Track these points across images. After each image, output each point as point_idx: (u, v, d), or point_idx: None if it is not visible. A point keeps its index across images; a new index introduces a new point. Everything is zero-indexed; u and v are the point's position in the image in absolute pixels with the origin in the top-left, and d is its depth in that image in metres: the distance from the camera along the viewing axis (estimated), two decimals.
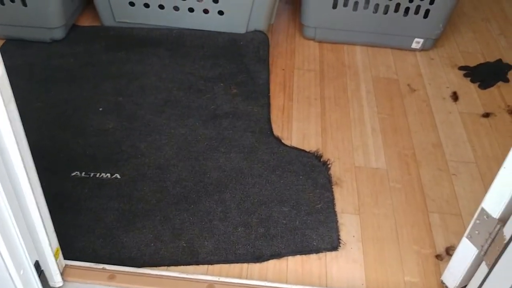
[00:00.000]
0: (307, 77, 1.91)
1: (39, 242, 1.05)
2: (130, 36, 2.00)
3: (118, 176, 1.48)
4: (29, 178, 0.95)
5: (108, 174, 1.48)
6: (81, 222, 1.36)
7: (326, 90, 1.86)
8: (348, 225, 1.41)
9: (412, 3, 1.93)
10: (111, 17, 2.00)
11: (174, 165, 1.52)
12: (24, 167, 0.92)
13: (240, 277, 1.26)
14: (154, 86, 1.80)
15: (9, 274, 0.97)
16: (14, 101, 0.89)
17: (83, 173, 1.48)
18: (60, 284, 1.16)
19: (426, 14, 1.96)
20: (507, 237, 1.03)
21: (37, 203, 1.00)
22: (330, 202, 1.46)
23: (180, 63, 1.90)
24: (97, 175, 1.48)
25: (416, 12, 1.96)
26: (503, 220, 1.07)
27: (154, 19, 1.98)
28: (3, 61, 0.83)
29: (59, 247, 1.16)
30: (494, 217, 1.09)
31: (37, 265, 1.05)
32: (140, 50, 1.95)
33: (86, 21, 2.10)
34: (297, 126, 1.70)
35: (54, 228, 1.14)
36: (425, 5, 1.93)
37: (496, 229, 1.08)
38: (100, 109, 1.70)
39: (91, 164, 1.51)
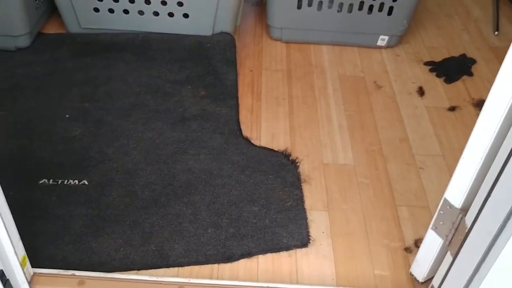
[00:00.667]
0: (275, 77, 1.93)
1: (3, 251, 1.03)
2: (96, 42, 1.99)
3: (86, 182, 1.47)
4: None
5: (76, 181, 1.47)
6: (50, 229, 1.35)
7: (294, 89, 1.87)
8: (318, 221, 1.42)
9: (376, 1, 1.96)
10: (76, 24, 1.99)
11: (142, 169, 1.52)
12: None
13: (211, 278, 1.26)
14: (121, 91, 1.79)
15: None
16: None
17: (51, 180, 1.47)
18: None
19: (390, 11, 1.99)
20: (468, 226, 1.05)
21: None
22: (299, 200, 1.47)
23: (146, 67, 1.90)
24: (65, 182, 1.47)
25: (380, 9, 1.98)
26: (464, 210, 1.09)
27: (120, 24, 1.97)
28: None
29: (26, 255, 1.15)
30: (457, 207, 1.11)
31: (1, 275, 1.04)
32: (107, 56, 1.94)
33: (51, 29, 2.08)
34: (265, 126, 1.71)
35: (22, 236, 1.13)
36: (388, 2, 1.96)
37: (459, 218, 1.10)
38: (67, 116, 1.69)
39: (58, 171, 1.50)
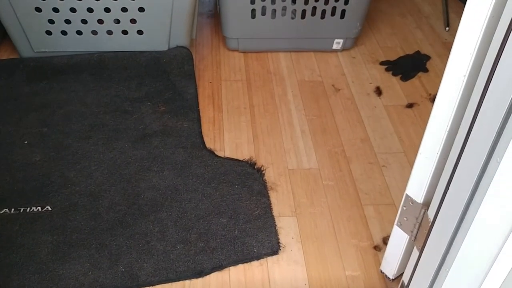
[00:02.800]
0: (234, 88, 1.93)
1: None
2: (51, 65, 1.96)
3: (49, 208, 1.44)
4: None
5: (39, 208, 1.44)
6: (14, 260, 1.31)
7: (255, 98, 1.88)
8: (287, 227, 1.43)
9: (328, 5, 1.99)
10: (29, 48, 1.96)
11: (105, 190, 1.49)
12: None
13: None
14: (80, 113, 1.77)
15: None
16: None
17: (13, 209, 1.43)
18: None
19: (342, 15, 2.02)
20: (431, 220, 1.07)
21: None
22: (267, 207, 1.47)
23: (104, 86, 1.88)
24: (28, 210, 1.43)
25: (333, 13, 2.01)
26: (426, 204, 1.11)
27: (73, 46, 1.94)
28: None
29: None
30: (419, 202, 1.13)
31: None
32: (63, 78, 1.91)
33: (3, 54, 2.04)
34: (228, 136, 1.71)
35: None
36: (340, 6, 2.00)
37: (422, 213, 1.12)
38: (25, 142, 1.65)
39: (20, 199, 1.46)
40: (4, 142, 1.65)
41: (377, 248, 1.39)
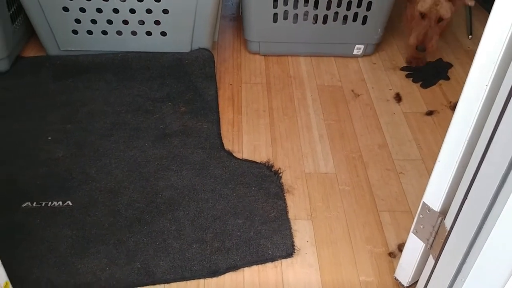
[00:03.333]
0: (254, 90, 1.95)
1: None
2: (76, 64, 2.00)
3: (70, 203, 1.47)
4: None
5: (60, 202, 1.47)
6: (34, 252, 1.34)
7: (274, 101, 1.89)
8: (302, 230, 1.43)
9: (350, 11, 1.99)
10: (56, 46, 2.00)
11: (125, 187, 1.52)
12: None
13: None
14: (102, 111, 1.80)
15: None
16: None
17: (35, 203, 1.47)
18: None
19: (364, 21, 2.02)
20: (448, 228, 1.07)
21: None
22: (283, 210, 1.48)
23: (127, 86, 1.91)
24: (49, 204, 1.47)
25: (354, 19, 2.02)
26: (443, 213, 1.11)
27: (98, 45, 1.98)
28: None
29: (8, 281, 1.14)
30: (436, 210, 1.13)
31: None
32: (87, 77, 1.95)
33: (31, 52, 2.09)
34: (247, 138, 1.73)
35: (6, 261, 1.13)
36: (362, 12, 2.00)
37: (438, 221, 1.12)
38: (49, 138, 1.69)
39: (42, 193, 1.50)
40: (29, 137, 1.69)
41: (392, 255, 1.39)
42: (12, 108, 1.81)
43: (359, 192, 1.56)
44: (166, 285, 1.28)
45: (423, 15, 1.90)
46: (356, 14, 2.01)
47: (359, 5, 1.98)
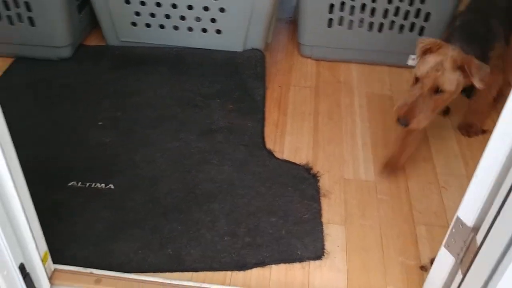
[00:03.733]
0: (302, 93, 1.96)
1: (25, 246, 1.10)
2: (133, 55, 2.08)
3: (112, 187, 1.53)
4: (14, 182, 1.00)
5: (103, 185, 1.54)
6: (74, 229, 1.41)
7: (321, 105, 1.90)
8: (334, 235, 1.43)
9: (407, 20, 1.97)
10: (116, 37, 2.09)
11: (166, 176, 1.57)
12: (9, 171, 0.98)
13: (223, 284, 1.29)
14: (153, 102, 1.87)
15: None
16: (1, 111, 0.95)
17: (80, 183, 1.54)
18: (47, 286, 1.21)
19: (421, 31, 1.99)
20: (478, 245, 1.04)
21: (23, 207, 1.05)
22: (317, 213, 1.48)
23: (180, 80, 1.97)
24: (93, 185, 1.54)
25: (411, 29, 1.99)
26: (476, 229, 1.08)
27: (155, 38, 2.05)
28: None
29: (47, 251, 1.21)
30: (468, 225, 1.10)
31: (22, 268, 1.10)
32: (142, 68, 2.03)
33: (93, 41, 2.19)
34: (289, 139, 1.74)
35: (47, 234, 1.20)
36: (419, 23, 1.97)
37: (470, 237, 1.10)
38: (100, 123, 1.77)
39: (87, 175, 1.57)
40: (82, 122, 1.78)
41: (423, 268, 1.36)
42: (70, 93, 1.91)
43: (397, 202, 1.54)
44: (194, 273, 1.31)
45: (418, 80, 1.43)
46: (413, 24, 1.98)
47: (417, 15, 1.96)
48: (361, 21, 1.99)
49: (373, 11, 1.96)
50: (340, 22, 2.00)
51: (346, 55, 2.10)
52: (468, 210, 1.10)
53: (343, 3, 1.95)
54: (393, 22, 1.98)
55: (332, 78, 2.05)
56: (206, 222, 1.44)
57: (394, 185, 1.59)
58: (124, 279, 1.25)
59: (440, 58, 1.39)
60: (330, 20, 2.00)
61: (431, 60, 1.40)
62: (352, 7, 1.96)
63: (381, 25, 2.00)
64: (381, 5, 1.94)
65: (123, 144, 1.69)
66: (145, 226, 1.42)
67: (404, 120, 1.41)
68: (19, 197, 1.04)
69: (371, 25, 2.00)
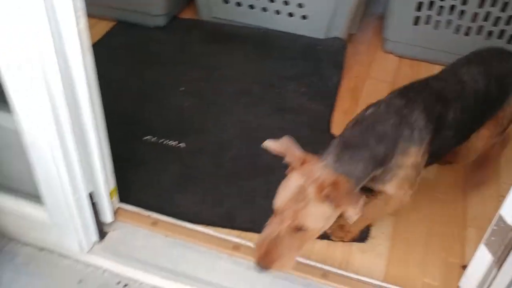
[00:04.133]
0: (378, 87, 1.98)
1: (96, 177, 1.24)
2: (222, 31, 2.21)
3: (183, 146, 1.66)
4: (96, 120, 1.14)
5: (176, 142, 1.67)
6: (142, 178, 1.55)
7: None
8: (381, 223, 1.47)
9: (497, 27, 1.93)
10: (208, 13, 2.22)
11: (234, 144, 1.68)
12: (93, 110, 1.12)
13: None
14: (234, 77, 1.98)
15: (65, 196, 1.17)
16: (92, 51, 1.09)
17: (154, 138, 1.69)
18: (110, 220, 1.35)
19: (510, 39, 1.95)
20: None
21: (100, 143, 1.19)
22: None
23: (261, 60, 2.07)
24: (166, 142, 1.68)
25: (500, 36, 1.95)
26: None
27: (244, 18, 2.17)
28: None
29: (116, 188, 1.35)
30: (510, 224, 1.11)
31: (91, 196, 1.24)
32: (229, 45, 2.15)
33: (186, 14, 2.34)
34: None
35: (119, 176, 1.34)
36: (510, 31, 1.93)
37: (509, 236, 1.10)
38: (182, 89, 1.91)
39: (162, 132, 1.71)
40: (166, 87, 1.93)
41: (465, 267, 1.36)
42: (160, 58, 2.07)
43: (451, 203, 1.54)
44: (242, 232, 1.40)
45: (276, 212, 1.11)
46: (502, 31, 1.94)
47: (507, 23, 1.92)
48: (449, 22, 1.98)
49: (462, 13, 1.94)
50: (427, 21, 2.00)
51: (429, 55, 2.10)
52: (510, 208, 1.11)
53: (432, 2, 1.95)
54: (481, 27, 1.95)
55: (412, 76, 2.05)
56: (262, 190, 1.53)
57: (452, 185, 1.59)
58: (178, 226, 1.37)
59: (303, 181, 1.06)
60: (417, 18, 2.01)
61: (292, 184, 1.08)
62: (441, 7, 1.96)
63: (469, 29, 1.97)
64: (471, 8, 1.92)
65: (199, 110, 1.82)
66: (206, 184, 1.54)
67: (262, 264, 1.06)
68: (98, 134, 1.18)
69: (458, 27, 1.98)
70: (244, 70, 2.02)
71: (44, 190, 1.19)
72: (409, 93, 1.26)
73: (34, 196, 1.26)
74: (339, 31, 2.06)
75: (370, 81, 2.02)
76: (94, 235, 1.32)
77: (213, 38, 2.18)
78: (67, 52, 1.02)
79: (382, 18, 2.38)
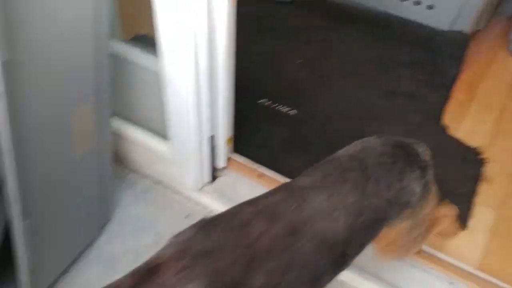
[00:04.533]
0: (497, 87, 1.94)
1: (218, 123, 1.35)
2: (346, 11, 2.25)
3: (294, 113, 1.74)
4: (228, 70, 1.24)
5: (288, 109, 1.75)
6: (255, 134, 1.65)
7: None
8: (483, 216, 1.46)
9: None
10: None
11: (341, 118, 1.73)
12: (228, 55, 1.22)
13: None
14: (352, 55, 2.03)
15: (190, 134, 1.28)
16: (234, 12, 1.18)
17: (268, 102, 1.78)
18: (222, 166, 1.46)
19: None
20: None
21: (228, 90, 1.29)
22: (472, 193, 1.52)
23: (381, 43, 2.09)
24: (278, 107, 1.76)
25: None
26: None
27: (369, 1, 2.19)
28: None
29: (231, 138, 1.45)
30: None
31: (211, 139, 1.35)
32: (351, 25, 2.19)
33: None
34: (468, 123, 1.77)
35: (235, 130, 1.44)
36: None
37: None
38: (299, 61, 1.98)
39: (277, 97, 1.80)
40: (284, 57, 2.01)
41: None
42: (282, 30, 2.16)
43: None
44: None
45: None
46: None
47: None
48: None
49: None
50: None
51: None
52: None
53: None
54: None
55: None
56: None
57: None
58: (282, 181, 1.45)
59: None
60: None
61: None
62: None
63: None
64: None
65: (313, 82, 1.88)
66: (311, 150, 1.60)
67: None
68: (227, 83, 1.28)
69: None
70: (361, 51, 2.06)
71: (171, 126, 1.31)
72: None
73: (160, 134, 1.39)
74: (465, 25, 2.03)
75: (488, 79, 1.98)
76: (207, 176, 1.43)
77: (334, 17, 2.23)
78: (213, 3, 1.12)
79: (511, 19, 2.31)
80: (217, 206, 1.42)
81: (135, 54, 1.30)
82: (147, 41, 1.36)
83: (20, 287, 1.04)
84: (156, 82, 1.27)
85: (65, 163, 1.09)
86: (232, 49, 1.24)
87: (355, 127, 1.70)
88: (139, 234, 1.37)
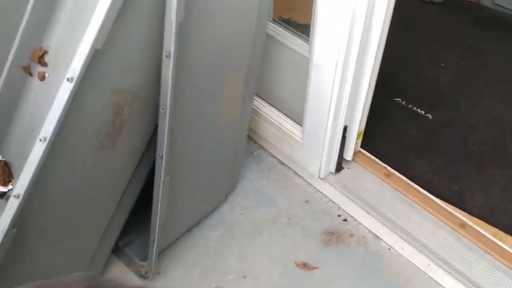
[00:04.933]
0: None
1: (354, 114, 1.34)
2: (499, 19, 2.13)
3: (430, 117, 1.68)
4: (374, 64, 1.23)
5: (423, 111, 1.69)
6: (386, 133, 1.61)
7: None
8: None
9: None
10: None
11: (482, 128, 1.65)
12: (377, 49, 1.20)
13: (494, 236, 1.32)
14: (497, 65, 1.92)
15: (325, 121, 1.28)
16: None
17: (404, 102, 1.73)
18: (349, 158, 1.45)
19: None
20: None
21: (370, 84, 1.28)
22: None
23: None
24: (413, 108, 1.71)
25: None
26: None
27: None
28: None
29: (362, 132, 1.44)
30: None
31: (344, 129, 1.34)
32: (501, 33, 2.07)
33: None
34: None
35: (366, 127, 1.42)
36: None
37: None
38: (443, 65, 1.90)
39: (413, 98, 1.75)
40: (427, 58, 1.94)
41: None
42: (428, 31, 2.08)
43: None
44: (469, 216, 1.38)
45: None
46: None
47: None
48: None
49: None
50: None
51: None
52: None
53: None
54: None
55: None
56: (500, 182, 1.48)
57: None
58: (411, 186, 1.41)
59: None
60: None
61: None
62: None
63: None
64: None
65: (454, 87, 1.80)
66: (444, 156, 1.54)
67: None
68: (370, 78, 1.26)
69: None
70: (510, 60, 1.93)
71: (308, 111, 1.32)
72: None
73: (293, 117, 1.41)
74: None
75: None
76: (332, 165, 1.43)
77: (486, 23, 2.11)
78: None
79: None
80: (337, 197, 1.41)
81: (285, 35, 1.32)
82: (291, 24, 1.38)
83: (151, 235, 1.11)
84: (301, 65, 1.29)
85: (208, 132, 1.14)
86: (383, 44, 1.22)
87: (497, 138, 1.61)
88: (259, 207, 1.41)
